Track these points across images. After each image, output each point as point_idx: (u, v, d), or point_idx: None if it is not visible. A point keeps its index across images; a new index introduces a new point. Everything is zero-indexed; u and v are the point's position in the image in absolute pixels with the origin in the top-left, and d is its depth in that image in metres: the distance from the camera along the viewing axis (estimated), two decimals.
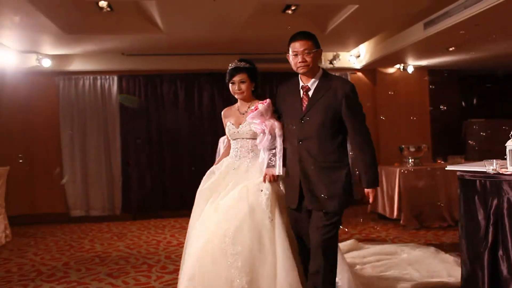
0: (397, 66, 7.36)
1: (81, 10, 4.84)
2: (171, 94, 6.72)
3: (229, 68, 2.78)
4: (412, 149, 5.55)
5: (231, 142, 2.83)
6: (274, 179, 2.57)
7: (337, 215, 2.42)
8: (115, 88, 6.67)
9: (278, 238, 2.42)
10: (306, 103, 2.45)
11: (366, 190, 2.45)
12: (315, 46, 2.44)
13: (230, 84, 2.76)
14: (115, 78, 6.68)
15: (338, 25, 5.35)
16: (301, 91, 2.49)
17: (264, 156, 2.62)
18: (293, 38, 2.48)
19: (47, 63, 6.31)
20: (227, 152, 2.93)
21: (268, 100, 2.58)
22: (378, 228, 5.29)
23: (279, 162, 2.51)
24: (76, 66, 6.58)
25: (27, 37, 5.57)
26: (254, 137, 2.69)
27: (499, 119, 7.20)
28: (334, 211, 2.39)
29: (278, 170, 2.51)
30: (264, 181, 2.56)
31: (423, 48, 6.09)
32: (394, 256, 3.80)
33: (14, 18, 4.73)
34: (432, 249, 3.97)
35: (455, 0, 4.59)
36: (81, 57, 6.54)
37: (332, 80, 2.47)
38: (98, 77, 6.68)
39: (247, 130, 2.71)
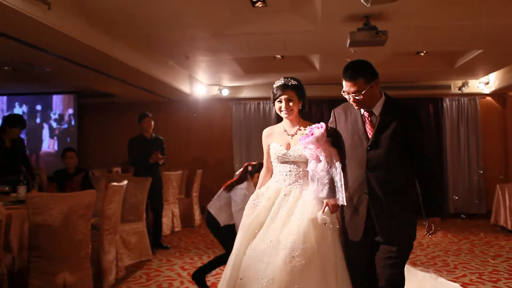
0: None
1: (262, 59, 6.63)
2: (318, 115, 8.26)
3: (275, 85, 2.62)
4: None
5: (277, 165, 2.60)
6: (336, 210, 2.39)
7: (408, 248, 2.32)
8: (273, 110, 8.46)
9: (341, 274, 2.30)
10: (373, 129, 2.29)
11: (432, 219, 2.29)
12: (367, 82, 2.26)
13: (276, 103, 2.60)
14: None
15: (466, 63, 6.28)
16: (364, 117, 2.35)
17: (319, 185, 2.38)
18: (343, 74, 2.32)
19: (225, 92, 8.35)
20: (268, 176, 2.72)
21: (323, 124, 2.40)
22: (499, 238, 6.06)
23: (342, 191, 2.29)
24: (245, 94, 8.53)
25: (215, 75, 7.59)
26: (306, 161, 2.49)
27: None
28: (405, 243, 2.30)
29: (342, 200, 2.29)
30: (323, 211, 2.37)
31: None
32: None
33: (216, 67, 6.75)
34: None
35: None
36: (249, 87, 8.47)
37: (398, 105, 2.34)
38: (261, 102, 8.55)
39: (299, 154, 2.50)
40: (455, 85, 7.93)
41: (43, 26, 3.66)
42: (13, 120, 4.96)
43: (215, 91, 8.39)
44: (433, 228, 2.29)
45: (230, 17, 4.53)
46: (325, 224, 2.35)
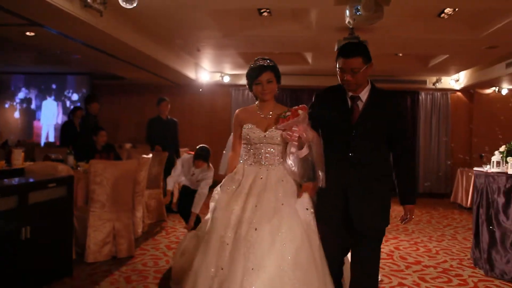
0: (493, 88, 8.93)
1: (262, 53, 7.56)
2: (310, 103, 9.24)
3: (252, 66, 2.51)
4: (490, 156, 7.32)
5: (250, 148, 2.48)
6: (314, 194, 2.40)
7: (383, 233, 2.39)
8: None
9: (323, 256, 2.31)
10: (358, 114, 2.30)
11: (408, 207, 2.37)
12: (365, 61, 2.26)
13: (254, 86, 2.50)
14: None
15: (437, 64, 7.32)
16: (350, 101, 2.34)
17: (298, 168, 2.37)
18: (342, 53, 2.29)
19: (226, 79, 9.30)
20: (236, 159, 2.58)
21: (305, 106, 2.40)
22: (454, 214, 7.23)
23: (322, 174, 2.30)
24: (244, 81, 9.09)
25: (218, 63, 8.52)
26: (281, 143, 2.44)
27: None
28: (381, 228, 2.36)
29: (322, 182, 2.30)
30: (300, 195, 2.37)
31: (511, 79, 7.71)
32: None
33: (220, 57, 7.68)
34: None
35: None
36: None
37: (383, 94, 2.39)
38: None
39: (276, 135, 2.42)
40: (430, 80, 8.99)
41: (94, 28, 4.57)
42: (88, 98, 6.05)
43: (217, 77, 9.32)
44: (408, 216, 2.39)
45: (240, 22, 5.48)
46: (306, 209, 2.36)
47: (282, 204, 2.31)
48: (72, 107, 9.83)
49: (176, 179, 4.66)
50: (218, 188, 2.54)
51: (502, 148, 4.09)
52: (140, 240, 4.86)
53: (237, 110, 2.65)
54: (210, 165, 4.59)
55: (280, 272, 2.14)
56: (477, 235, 4.14)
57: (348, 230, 2.39)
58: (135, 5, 3.74)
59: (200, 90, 9.50)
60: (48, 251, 3.36)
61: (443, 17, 4.86)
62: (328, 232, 2.35)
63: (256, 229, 2.22)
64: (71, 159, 4.88)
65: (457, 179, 7.73)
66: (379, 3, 4.04)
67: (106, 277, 3.63)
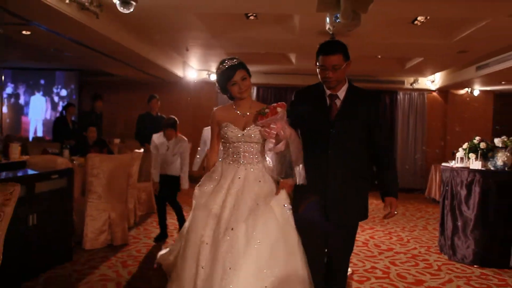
0: (466, 89, 9.44)
1: (247, 53, 7.89)
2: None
3: (222, 69, 2.46)
4: None
5: (229, 146, 2.47)
6: (291, 190, 2.41)
7: (356, 229, 2.47)
8: (254, 95, 9.78)
9: (302, 252, 2.32)
10: (336, 112, 2.35)
11: (389, 199, 2.37)
12: (345, 59, 2.32)
13: (230, 87, 2.46)
14: (255, 88, 9.80)
15: (413, 66, 7.76)
16: (328, 99, 2.39)
17: (277, 165, 2.42)
18: (323, 51, 2.34)
19: (213, 77, 9.57)
20: (215, 157, 2.60)
21: (283, 103, 2.38)
22: (427, 208, 7.70)
23: (302, 171, 2.32)
24: None
25: (205, 62, 8.81)
26: (260, 141, 2.45)
27: None
28: (355, 224, 2.46)
29: (301, 179, 2.33)
30: (278, 192, 2.37)
31: (481, 81, 8.20)
32: None
33: (207, 56, 7.97)
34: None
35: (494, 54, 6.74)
36: None
37: (361, 91, 2.44)
38: None
39: (254, 134, 2.42)
40: (407, 81, 9.45)
41: (90, 29, 4.83)
42: (94, 96, 6.47)
43: (204, 75, 9.62)
44: (390, 209, 2.37)
45: (228, 24, 5.79)
46: (284, 205, 2.36)
47: (258, 204, 2.31)
48: (60, 102, 10.08)
49: (159, 168, 4.69)
50: (197, 187, 2.53)
51: (465, 145, 4.50)
52: (132, 230, 5.15)
53: (214, 109, 2.64)
54: (181, 135, 4.64)
55: (257, 270, 2.15)
56: (442, 224, 4.57)
57: (325, 227, 2.42)
58: (132, 9, 4.01)
59: (189, 99, 9.80)
60: (51, 236, 3.64)
61: (416, 24, 5.25)
62: (308, 233, 2.35)
63: (232, 229, 2.23)
64: (66, 153, 5.14)
65: (431, 175, 8.20)
66: (357, 12, 4.40)
67: (104, 262, 3.93)
